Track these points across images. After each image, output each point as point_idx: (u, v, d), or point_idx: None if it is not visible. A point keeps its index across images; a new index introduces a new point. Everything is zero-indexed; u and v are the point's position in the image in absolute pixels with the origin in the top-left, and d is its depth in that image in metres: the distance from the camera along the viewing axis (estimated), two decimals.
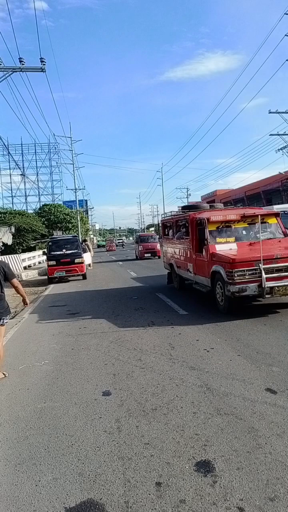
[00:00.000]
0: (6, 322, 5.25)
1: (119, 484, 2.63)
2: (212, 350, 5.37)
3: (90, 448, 3.13)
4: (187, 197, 75.65)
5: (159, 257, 25.16)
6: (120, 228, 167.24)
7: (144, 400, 3.94)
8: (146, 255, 27.22)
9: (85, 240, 27.68)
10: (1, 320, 5.11)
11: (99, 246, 75.94)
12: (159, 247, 26.34)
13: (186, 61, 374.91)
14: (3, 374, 5.14)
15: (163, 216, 13.45)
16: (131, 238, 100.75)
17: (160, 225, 20.20)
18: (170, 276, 12.02)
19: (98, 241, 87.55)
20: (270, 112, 34.22)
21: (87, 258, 20.12)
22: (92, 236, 65.66)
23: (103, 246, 72.55)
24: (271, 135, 37.29)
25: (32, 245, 32.72)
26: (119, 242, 79.17)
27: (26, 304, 5.74)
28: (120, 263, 26.18)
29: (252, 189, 57.32)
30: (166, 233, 12.58)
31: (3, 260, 6.48)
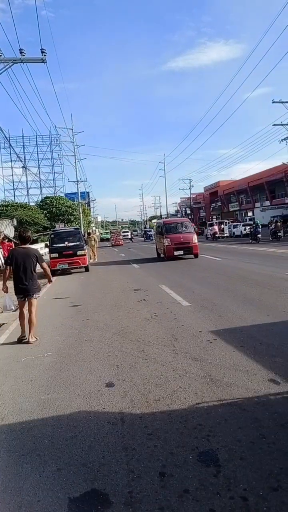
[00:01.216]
0: (38, 297, 6.68)
1: (123, 474, 2.63)
2: (215, 341, 5.37)
3: (94, 439, 3.14)
4: (189, 188, 75.47)
5: (195, 255, 18.34)
6: (122, 220, 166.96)
7: (147, 391, 3.94)
8: (177, 253, 18.19)
9: (89, 233, 27.11)
10: (34, 295, 6.49)
11: (102, 239, 66.56)
12: (195, 240, 18.72)
13: (188, 51, 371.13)
14: (36, 338, 6.34)
15: None
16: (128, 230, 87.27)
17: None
18: None
19: (102, 233, 77.20)
20: (273, 102, 33.89)
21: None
22: (94, 228, 61.07)
23: (108, 239, 62.43)
24: (274, 125, 37.02)
25: (34, 238, 32.73)
26: (124, 235, 68.52)
27: (50, 282, 7.40)
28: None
29: (256, 180, 57.10)
30: None
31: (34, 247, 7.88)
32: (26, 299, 6.48)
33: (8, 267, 6.52)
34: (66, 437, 3.21)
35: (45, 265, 6.62)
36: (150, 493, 2.42)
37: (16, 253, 6.48)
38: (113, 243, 47.02)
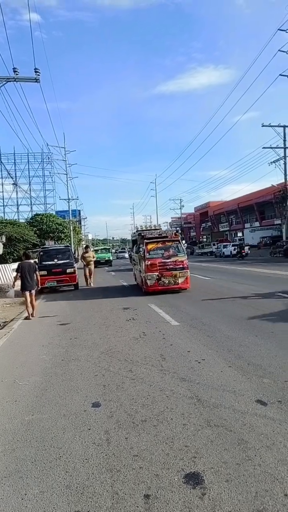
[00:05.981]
0: (35, 290, 10.78)
1: (107, 496, 2.59)
2: (203, 362, 5.36)
3: (78, 460, 3.08)
4: (180, 208, 76.27)
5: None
6: (113, 238, 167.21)
7: (134, 412, 3.90)
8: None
9: (87, 247, 21.78)
10: (34, 290, 10.58)
11: (97, 262, 30.79)
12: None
13: (178, 75, 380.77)
14: (31, 317, 10.28)
15: None
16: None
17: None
18: None
19: (97, 252, 39.99)
20: (263, 126, 34.86)
21: None
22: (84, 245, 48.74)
23: (106, 262, 38.19)
24: (264, 148, 38.06)
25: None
26: (121, 253, 57.97)
27: (38, 287, 11.83)
28: None
29: (245, 201, 57.93)
30: None
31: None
32: (29, 293, 10.35)
33: (18, 273, 10.57)
34: (50, 458, 3.15)
35: (38, 273, 11.08)
36: None
37: (23, 265, 10.57)
38: (146, 284, 12.95)
